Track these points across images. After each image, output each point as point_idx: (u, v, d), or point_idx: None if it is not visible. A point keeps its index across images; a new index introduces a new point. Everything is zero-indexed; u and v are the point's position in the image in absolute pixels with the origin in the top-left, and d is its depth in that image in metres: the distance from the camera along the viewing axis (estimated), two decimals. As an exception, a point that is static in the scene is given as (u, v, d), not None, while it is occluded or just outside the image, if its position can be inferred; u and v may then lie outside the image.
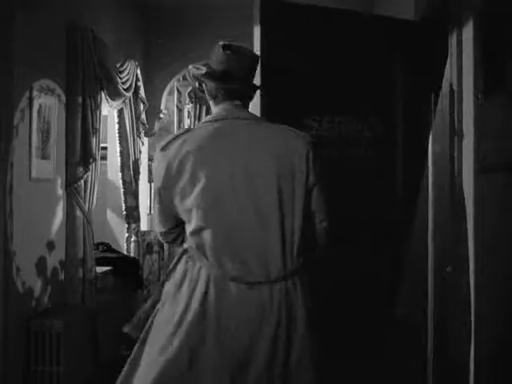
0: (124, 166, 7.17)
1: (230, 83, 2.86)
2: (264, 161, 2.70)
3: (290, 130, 2.81)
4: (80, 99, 5.58)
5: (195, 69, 2.96)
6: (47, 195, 5.27)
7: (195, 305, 2.64)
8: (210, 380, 2.59)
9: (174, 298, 2.73)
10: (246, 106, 2.91)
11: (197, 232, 2.70)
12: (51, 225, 5.33)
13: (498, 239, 2.38)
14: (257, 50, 3.07)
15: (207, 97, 2.94)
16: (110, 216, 7.68)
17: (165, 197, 2.79)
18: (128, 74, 6.73)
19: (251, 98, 2.98)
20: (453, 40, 3.07)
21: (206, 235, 2.68)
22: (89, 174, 5.69)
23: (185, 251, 2.78)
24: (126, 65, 6.69)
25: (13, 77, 4.67)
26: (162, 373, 2.62)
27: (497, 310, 2.38)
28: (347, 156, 3.45)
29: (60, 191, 5.47)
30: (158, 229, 2.99)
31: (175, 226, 2.88)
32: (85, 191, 5.67)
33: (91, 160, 5.68)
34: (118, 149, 7.12)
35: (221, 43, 2.97)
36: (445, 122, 3.26)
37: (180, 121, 11.56)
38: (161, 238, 3.07)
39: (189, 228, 2.73)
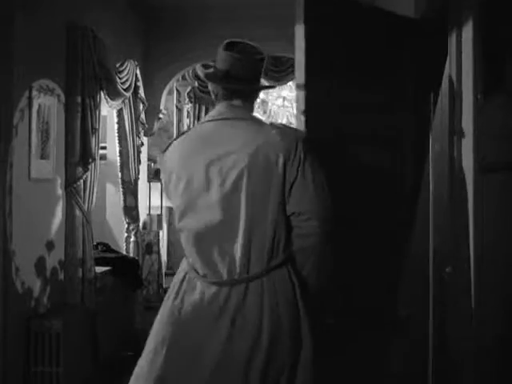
0: (123, 166, 7.16)
1: (231, 83, 2.83)
2: (237, 161, 2.67)
3: (279, 128, 2.76)
4: (79, 99, 5.58)
5: (199, 69, 2.94)
6: (47, 195, 5.27)
7: (168, 303, 2.76)
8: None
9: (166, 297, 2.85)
10: (248, 105, 2.89)
11: (178, 232, 2.77)
12: (50, 225, 5.32)
13: (497, 238, 2.38)
14: (300, 49, 3.03)
15: (212, 96, 2.94)
16: (110, 216, 7.68)
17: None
18: (127, 73, 6.73)
19: (256, 96, 2.97)
20: (452, 39, 3.07)
21: (183, 235, 2.76)
22: (88, 173, 5.68)
23: None
24: (125, 65, 6.69)
25: (12, 76, 4.67)
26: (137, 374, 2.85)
27: (497, 309, 2.38)
28: (363, 153, 3.42)
29: (59, 191, 5.46)
30: None
31: None
32: (84, 191, 5.67)
33: (90, 160, 5.68)
34: (118, 149, 7.12)
35: (226, 41, 2.89)
36: (444, 122, 3.26)
37: (179, 121, 11.56)
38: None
39: None
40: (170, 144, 2.87)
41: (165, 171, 2.84)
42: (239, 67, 2.83)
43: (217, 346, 2.59)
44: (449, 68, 3.14)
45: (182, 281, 2.74)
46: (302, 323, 2.61)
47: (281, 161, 2.64)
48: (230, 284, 2.63)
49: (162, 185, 9.45)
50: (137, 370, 2.85)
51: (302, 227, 2.64)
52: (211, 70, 2.93)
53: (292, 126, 3.19)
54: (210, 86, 2.93)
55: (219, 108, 2.83)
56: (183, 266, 2.80)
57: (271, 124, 2.84)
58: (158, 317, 2.84)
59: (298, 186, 2.64)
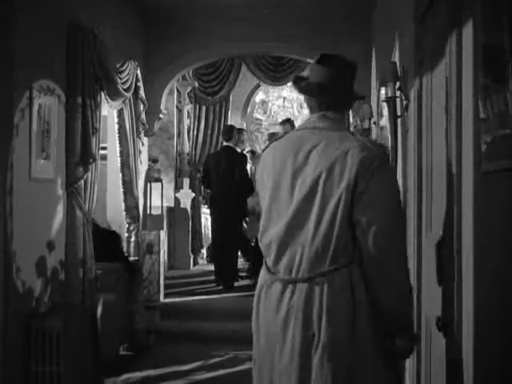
0: (124, 166, 7.16)
1: (322, 95, 3.01)
2: (314, 171, 2.88)
3: (361, 141, 2.91)
4: (80, 99, 5.58)
5: (295, 82, 3.15)
6: (47, 195, 5.28)
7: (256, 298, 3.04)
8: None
9: None
10: (340, 116, 3.08)
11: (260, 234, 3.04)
12: (51, 225, 5.33)
13: (497, 240, 2.38)
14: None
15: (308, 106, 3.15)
16: (110, 216, 7.68)
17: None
18: (128, 74, 6.73)
19: (348, 106, 3.25)
20: (452, 39, 3.07)
21: (264, 238, 3.01)
22: (89, 174, 5.69)
23: None
24: (125, 65, 6.69)
25: (13, 77, 4.68)
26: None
27: (498, 311, 2.38)
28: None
29: (60, 191, 5.47)
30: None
31: None
32: (85, 191, 5.68)
33: (91, 160, 5.69)
34: (118, 149, 7.12)
35: (319, 55, 3.05)
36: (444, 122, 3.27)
37: (180, 121, 11.57)
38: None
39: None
40: (267, 146, 3.20)
41: (259, 168, 3.15)
42: (329, 79, 3.00)
43: (287, 336, 2.83)
44: (449, 69, 3.14)
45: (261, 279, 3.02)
46: (358, 325, 2.78)
47: (353, 172, 2.80)
48: (295, 282, 2.85)
49: (162, 186, 9.49)
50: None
51: (364, 235, 2.81)
52: (304, 82, 3.08)
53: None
54: (304, 99, 3.14)
55: (312, 118, 3.04)
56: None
57: (356, 137, 2.99)
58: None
59: (364, 196, 2.80)
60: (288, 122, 8.07)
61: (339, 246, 2.81)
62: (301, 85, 3.09)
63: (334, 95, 3.01)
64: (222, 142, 10.89)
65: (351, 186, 2.80)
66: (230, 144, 9.34)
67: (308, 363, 2.77)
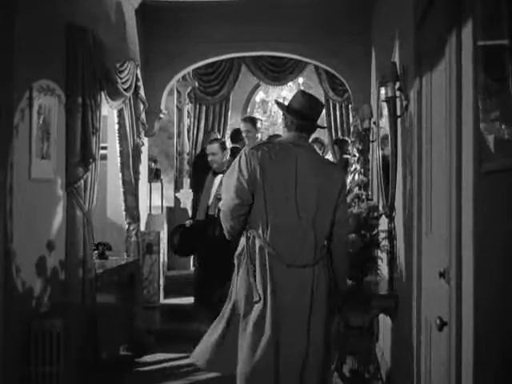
0: (124, 166, 7.16)
1: (302, 120, 4.22)
2: (311, 181, 4.11)
3: (331, 163, 4.91)
4: (80, 99, 5.58)
5: (280, 104, 4.49)
6: (47, 195, 5.28)
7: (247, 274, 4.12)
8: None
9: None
10: (308, 138, 4.32)
11: (253, 216, 4.11)
12: (51, 225, 5.33)
13: (497, 239, 2.38)
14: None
15: (283, 123, 4.35)
16: (110, 216, 7.68)
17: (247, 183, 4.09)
18: (128, 74, 6.73)
19: (312, 132, 4.39)
20: (452, 40, 3.08)
21: (258, 221, 4.09)
22: (89, 173, 5.69)
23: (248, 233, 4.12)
24: (125, 65, 6.69)
25: (13, 77, 4.68)
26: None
27: (498, 310, 2.38)
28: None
29: (60, 191, 5.47)
30: (231, 203, 4.13)
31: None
32: (85, 191, 5.67)
33: (91, 160, 5.69)
34: (118, 149, 7.11)
35: (301, 89, 4.42)
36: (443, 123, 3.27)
37: (180, 121, 11.57)
38: (234, 214, 4.14)
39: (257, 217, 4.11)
40: (259, 145, 4.24)
41: (253, 166, 4.08)
42: (313, 111, 4.29)
43: (300, 297, 4.07)
44: (448, 70, 3.14)
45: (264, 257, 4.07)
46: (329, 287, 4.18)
47: (339, 186, 4.22)
48: (304, 267, 4.07)
49: (162, 186, 9.47)
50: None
51: (340, 228, 4.23)
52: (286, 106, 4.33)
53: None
54: (287, 118, 4.26)
55: (294, 136, 4.23)
56: (256, 244, 4.09)
57: (325, 158, 4.85)
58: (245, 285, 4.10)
59: (343, 203, 4.25)
60: (251, 120, 7.90)
61: (323, 242, 4.18)
62: (292, 108, 4.24)
63: (313, 123, 4.31)
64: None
65: (337, 195, 4.17)
66: (237, 145, 9.41)
67: (310, 306, 4.07)
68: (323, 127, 4.86)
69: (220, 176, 6.42)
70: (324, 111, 13.05)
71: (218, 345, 4.17)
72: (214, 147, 6.95)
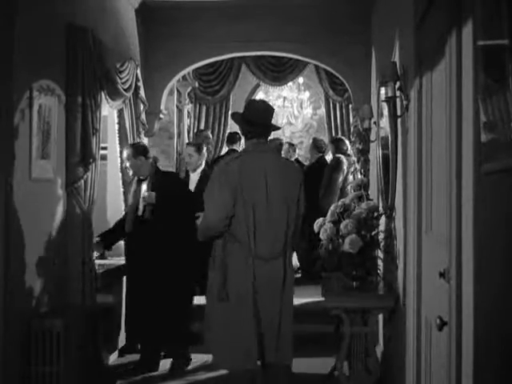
0: (124, 166, 7.15)
1: (259, 127, 4.58)
2: (277, 182, 4.53)
3: (290, 162, 5.27)
4: (80, 99, 5.58)
5: (234, 117, 4.80)
6: (47, 195, 5.28)
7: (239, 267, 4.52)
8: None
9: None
10: (266, 141, 4.70)
11: (235, 223, 4.45)
12: (51, 224, 5.33)
13: (497, 239, 2.38)
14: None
15: (241, 134, 4.81)
16: (110, 216, 7.67)
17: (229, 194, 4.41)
18: (128, 74, 6.73)
19: (269, 135, 4.78)
20: (452, 40, 3.08)
21: (242, 227, 4.45)
22: (89, 173, 5.69)
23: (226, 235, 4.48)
24: (125, 65, 6.69)
25: (13, 77, 4.68)
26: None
27: (499, 310, 2.38)
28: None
29: (60, 191, 5.47)
30: (218, 216, 4.43)
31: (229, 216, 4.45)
32: (85, 191, 5.67)
33: (91, 160, 5.69)
34: (118, 149, 7.11)
35: (250, 98, 4.50)
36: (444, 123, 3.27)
37: (180, 121, 11.56)
38: (220, 225, 4.45)
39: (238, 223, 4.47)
40: (230, 161, 4.54)
41: (227, 178, 4.42)
42: (266, 116, 4.63)
43: (274, 282, 4.55)
44: (449, 70, 3.14)
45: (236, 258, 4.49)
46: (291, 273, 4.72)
47: (298, 184, 4.66)
48: (275, 259, 4.54)
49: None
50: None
51: (299, 222, 4.72)
52: (242, 115, 4.66)
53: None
54: (244, 127, 4.64)
55: (256, 143, 4.59)
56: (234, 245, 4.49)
57: (284, 158, 5.40)
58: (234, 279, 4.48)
59: (300, 200, 4.67)
60: (195, 146, 7.75)
61: (290, 235, 4.63)
62: (249, 118, 4.56)
63: (263, 127, 4.61)
64: (222, 143, 10.97)
65: (296, 198, 4.64)
66: (234, 147, 9.42)
67: (282, 287, 4.57)
68: (278, 128, 4.99)
69: (145, 183, 6.26)
70: (324, 111, 13.07)
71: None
72: (189, 149, 7.09)
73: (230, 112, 12.70)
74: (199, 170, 7.18)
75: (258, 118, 4.56)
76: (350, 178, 8.94)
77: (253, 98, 14.42)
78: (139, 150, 6.31)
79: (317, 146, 9.86)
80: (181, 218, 5.94)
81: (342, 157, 8.97)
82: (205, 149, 7.27)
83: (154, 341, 6.26)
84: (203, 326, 4.69)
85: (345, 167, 8.89)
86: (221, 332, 4.49)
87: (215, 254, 4.55)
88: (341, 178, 8.87)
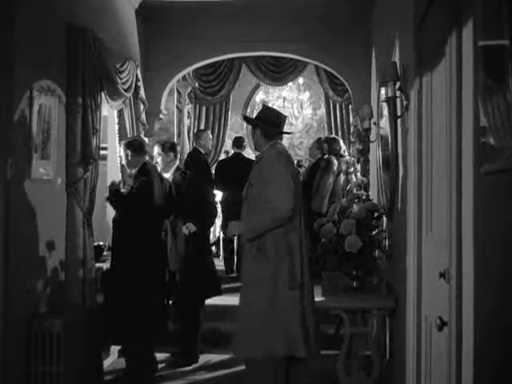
0: (124, 167, 7.15)
1: (281, 129, 4.89)
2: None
3: None
4: (80, 99, 5.59)
5: (262, 118, 4.93)
6: (47, 195, 5.27)
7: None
8: None
9: None
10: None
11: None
12: (51, 225, 5.33)
13: (497, 240, 2.38)
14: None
15: (262, 135, 4.85)
16: (110, 216, 7.67)
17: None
18: (128, 74, 6.73)
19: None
20: (452, 40, 3.07)
21: (296, 215, 4.64)
22: (89, 174, 5.69)
23: None
24: (125, 65, 6.69)
25: (13, 77, 4.68)
26: None
27: (498, 310, 2.38)
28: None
29: (60, 191, 5.47)
30: (290, 205, 4.52)
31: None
32: (85, 191, 5.68)
33: (91, 160, 5.69)
34: (118, 149, 7.11)
35: (267, 105, 4.29)
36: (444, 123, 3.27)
37: (180, 121, 11.57)
38: (290, 214, 4.55)
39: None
40: (276, 153, 4.74)
41: (289, 166, 4.75)
42: (283, 121, 4.97)
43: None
44: (449, 70, 3.14)
45: None
46: None
47: None
48: None
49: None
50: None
51: None
52: (268, 118, 4.92)
53: None
54: (271, 129, 4.83)
55: (281, 143, 4.89)
56: None
57: None
58: None
59: None
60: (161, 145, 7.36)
61: None
62: (267, 121, 4.83)
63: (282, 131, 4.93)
64: (222, 142, 11.01)
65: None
66: (239, 151, 9.47)
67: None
68: (290, 133, 5.65)
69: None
70: (324, 111, 13.08)
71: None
72: (156, 149, 6.58)
73: (229, 113, 12.72)
74: (171, 172, 6.56)
75: (283, 122, 4.93)
76: (353, 178, 8.93)
77: (252, 98, 14.47)
78: (170, 147, 6.53)
79: (321, 147, 9.85)
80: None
81: (332, 158, 8.95)
82: (177, 149, 6.89)
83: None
84: (244, 322, 4.65)
85: (335, 168, 8.88)
86: (289, 320, 4.53)
87: (270, 244, 4.58)
88: (331, 180, 8.85)
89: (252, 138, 5.05)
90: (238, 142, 9.57)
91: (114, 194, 5.88)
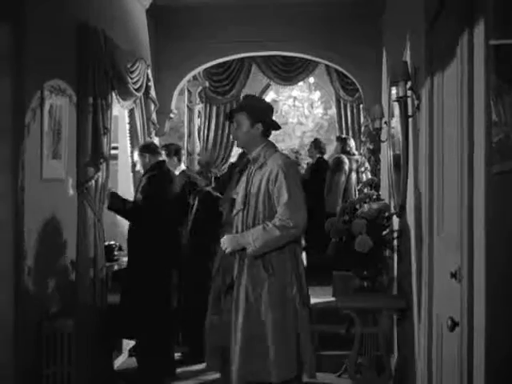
0: (136, 165, 7.15)
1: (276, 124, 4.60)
2: None
3: None
4: (91, 99, 5.59)
5: (269, 114, 4.54)
6: (58, 195, 5.29)
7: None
8: None
9: None
10: None
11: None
12: (62, 225, 5.34)
13: (508, 239, 2.37)
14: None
15: (261, 132, 4.42)
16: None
17: None
18: (139, 74, 6.74)
19: None
20: (464, 41, 3.06)
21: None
22: (99, 173, 5.70)
23: None
24: (136, 65, 6.70)
25: (24, 77, 4.69)
26: None
27: (510, 310, 2.37)
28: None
29: (71, 191, 5.48)
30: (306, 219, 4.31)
31: None
32: (95, 191, 5.68)
33: (102, 160, 5.70)
34: (129, 149, 7.13)
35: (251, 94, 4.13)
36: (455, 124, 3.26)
37: (190, 121, 11.58)
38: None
39: None
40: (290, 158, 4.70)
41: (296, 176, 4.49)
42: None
43: None
44: (460, 70, 3.13)
45: None
46: None
47: None
48: None
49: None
50: None
51: None
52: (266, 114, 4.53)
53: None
54: (269, 127, 4.46)
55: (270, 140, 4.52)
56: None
57: None
58: None
59: None
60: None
61: None
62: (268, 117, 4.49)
63: None
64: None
65: None
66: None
67: None
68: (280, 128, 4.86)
69: None
70: (335, 111, 13.06)
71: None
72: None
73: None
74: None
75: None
76: (363, 177, 8.92)
77: (263, 97, 14.42)
78: (175, 151, 6.85)
79: (318, 146, 9.86)
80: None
81: (342, 156, 8.95)
82: (182, 153, 6.84)
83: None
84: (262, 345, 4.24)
85: (346, 167, 8.88)
86: (302, 339, 4.29)
87: (277, 260, 4.30)
88: (343, 178, 8.85)
89: (238, 135, 4.49)
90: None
91: (113, 197, 5.91)
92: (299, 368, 4.29)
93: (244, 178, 4.48)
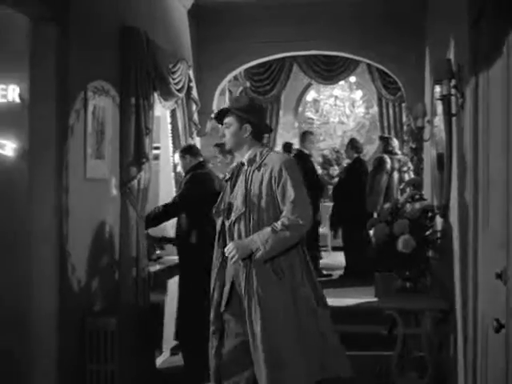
0: (177, 166, 7.20)
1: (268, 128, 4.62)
2: None
3: None
4: (134, 100, 5.63)
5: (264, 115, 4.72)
6: (102, 195, 5.33)
7: None
8: None
9: None
10: None
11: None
12: (105, 224, 5.39)
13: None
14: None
15: (251, 135, 4.31)
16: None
17: None
18: (180, 74, 6.76)
19: None
20: (509, 38, 3.03)
21: None
22: (142, 173, 5.73)
23: None
24: (178, 65, 6.73)
25: (68, 78, 4.74)
26: None
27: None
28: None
29: (114, 191, 5.52)
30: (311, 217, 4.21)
31: None
32: (138, 191, 5.71)
33: (144, 160, 5.73)
34: (171, 149, 7.16)
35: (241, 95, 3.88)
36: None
37: (231, 121, 11.59)
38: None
39: None
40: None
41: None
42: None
43: None
44: (506, 68, 3.09)
45: None
46: None
47: None
48: None
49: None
50: None
51: None
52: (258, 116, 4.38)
53: None
54: (260, 130, 4.38)
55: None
56: None
57: None
58: None
59: None
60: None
61: None
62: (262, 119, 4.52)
63: None
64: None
65: None
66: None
67: None
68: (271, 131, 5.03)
69: None
70: (377, 110, 12.99)
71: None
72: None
73: (280, 112, 12.71)
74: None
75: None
76: (406, 176, 8.86)
77: (304, 97, 14.40)
78: (185, 150, 6.53)
79: (355, 146, 9.82)
80: None
81: (384, 156, 8.89)
82: (194, 150, 6.84)
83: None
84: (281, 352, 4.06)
85: (388, 166, 8.82)
86: (329, 338, 4.18)
87: (286, 261, 4.15)
88: (384, 178, 8.79)
89: (227, 137, 4.38)
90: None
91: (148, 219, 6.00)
92: (323, 370, 4.11)
93: (240, 182, 4.31)
